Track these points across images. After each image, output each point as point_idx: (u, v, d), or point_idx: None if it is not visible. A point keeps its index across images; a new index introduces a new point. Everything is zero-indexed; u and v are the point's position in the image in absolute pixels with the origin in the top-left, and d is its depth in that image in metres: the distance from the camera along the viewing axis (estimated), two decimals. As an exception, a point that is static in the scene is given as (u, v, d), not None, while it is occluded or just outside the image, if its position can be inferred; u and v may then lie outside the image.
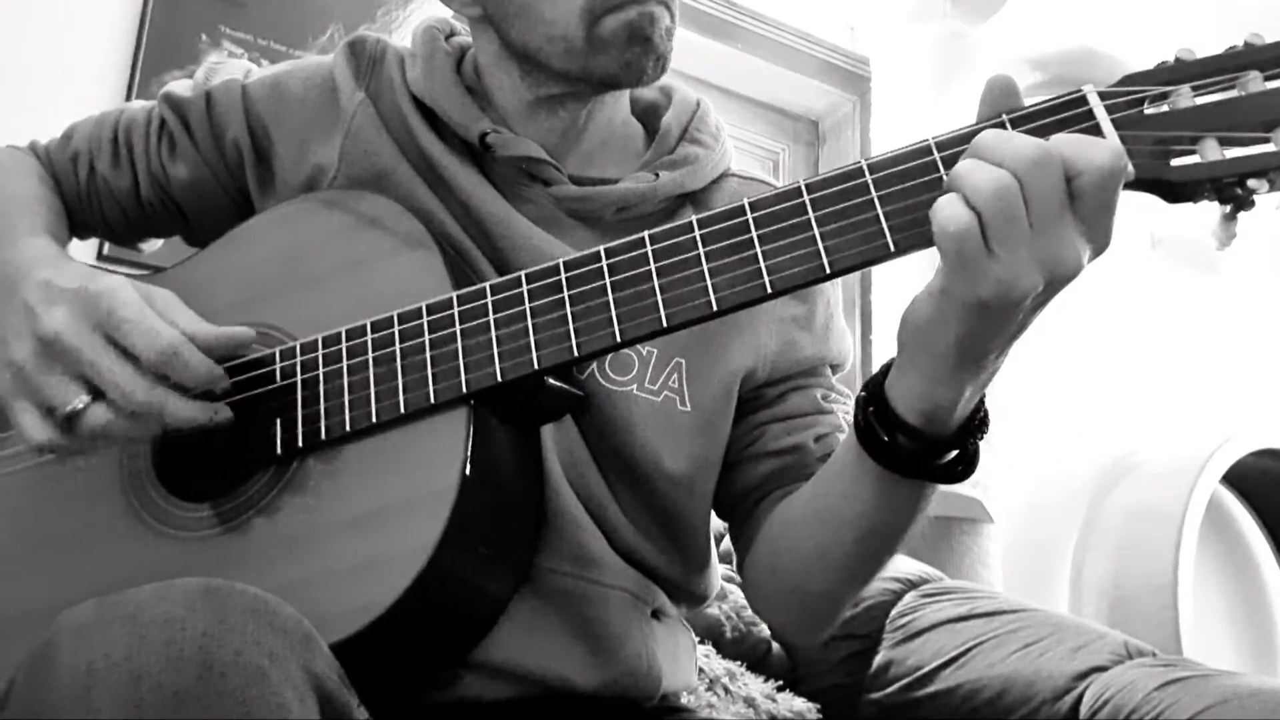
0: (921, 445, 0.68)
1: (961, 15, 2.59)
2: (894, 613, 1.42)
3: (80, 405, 0.70)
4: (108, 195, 0.94)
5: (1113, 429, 2.89)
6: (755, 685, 1.30)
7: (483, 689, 0.76)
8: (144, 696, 0.48)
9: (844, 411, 0.90)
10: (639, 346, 0.81)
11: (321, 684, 0.54)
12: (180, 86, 0.95)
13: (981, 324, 0.61)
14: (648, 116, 0.96)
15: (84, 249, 1.85)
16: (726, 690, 1.25)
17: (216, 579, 0.54)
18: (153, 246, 1.03)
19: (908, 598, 1.44)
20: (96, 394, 0.70)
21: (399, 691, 0.73)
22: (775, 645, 1.46)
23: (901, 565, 1.49)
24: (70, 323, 0.70)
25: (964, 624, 1.33)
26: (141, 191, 0.94)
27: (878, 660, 1.36)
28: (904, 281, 2.49)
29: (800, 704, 1.30)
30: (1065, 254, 0.59)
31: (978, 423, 0.70)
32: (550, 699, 0.77)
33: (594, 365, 0.81)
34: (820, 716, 1.30)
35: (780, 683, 1.34)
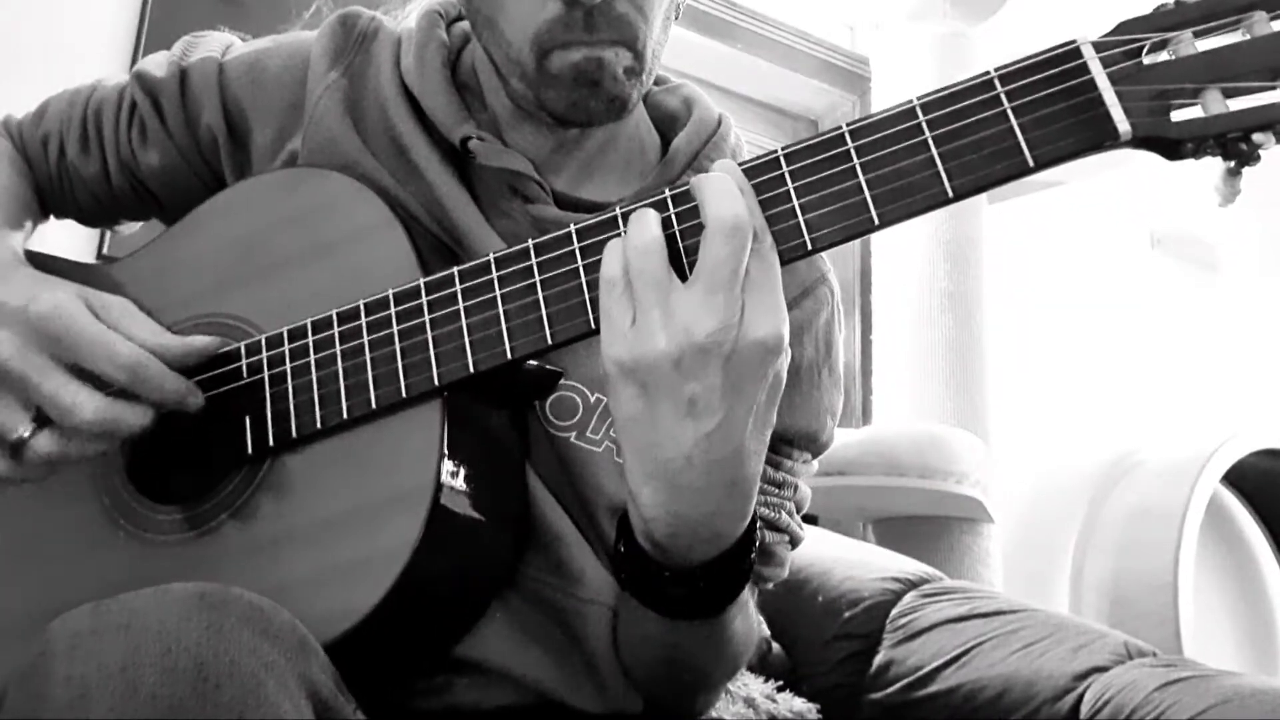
0: (637, 564, 0.67)
1: (961, 15, 2.59)
2: (894, 613, 1.41)
3: (25, 434, 0.68)
4: (78, 180, 0.91)
5: (1113, 429, 2.89)
6: (755, 685, 1.29)
7: (479, 696, 0.74)
8: (139, 706, 0.47)
9: (788, 498, 0.84)
10: (586, 392, 0.77)
11: (317, 691, 0.53)
12: (154, 64, 0.89)
13: (637, 405, 0.60)
14: (666, 128, 0.89)
15: (84, 249, 1.85)
16: (726, 690, 1.24)
17: (210, 584, 0.53)
18: (131, 228, 1.00)
19: (908, 598, 1.43)
20: (43, 420, 0.68)
21: (389, 696, 0.72)
22: (775, 645, 1.46)
23: (901, 565, 1.49)
24: (14, 347, 0.68)
25: (964, 624, 1.33)
26: (112, 177, 0.90)
27: (878, 660, 1.35)
28: (904, 282, 2.49)
29: (800, 704, 1.30)
30: (699, 322, 0.58)
31: (718, 560, 0.66)
32: (544, 708, 0.76)
33: (537, 407, 0.77)
34: (820, 717, 1.30)
35: (780, 683, 1.33)
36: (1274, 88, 0.57)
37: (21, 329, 0.69)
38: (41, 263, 0.84)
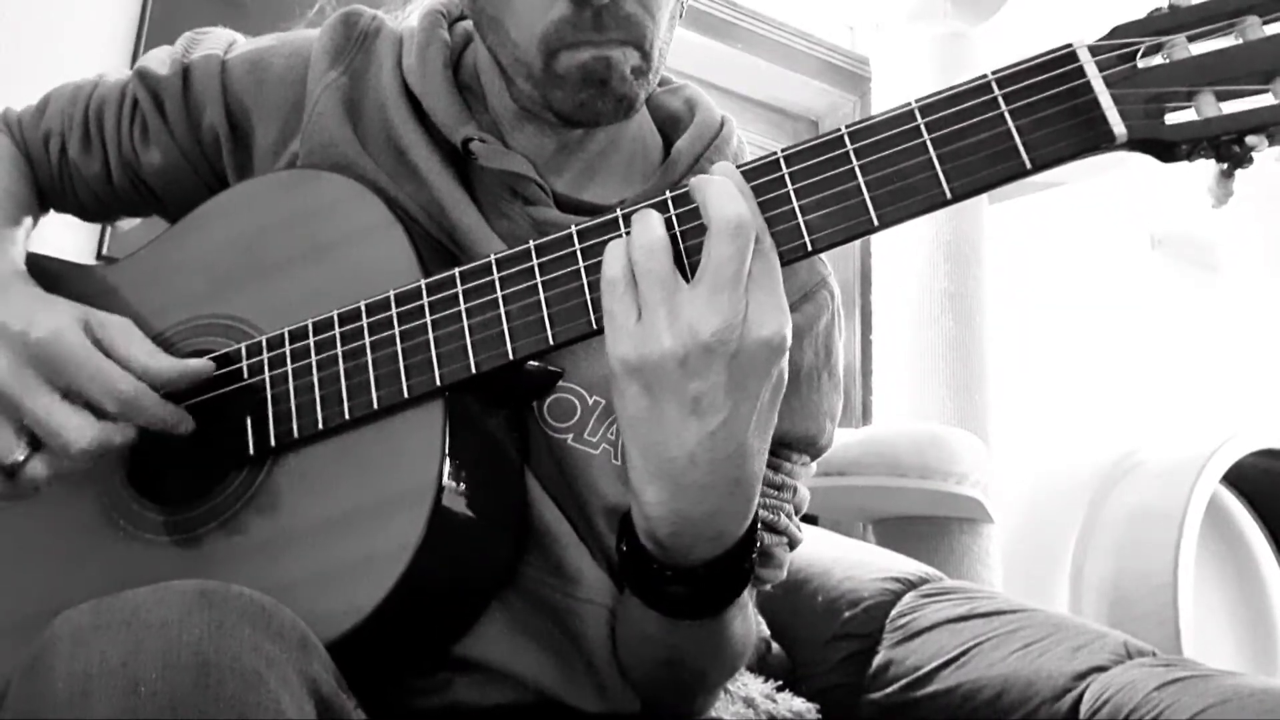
0: (639, 564, 0.68)
1: (961, 15, 2.59)
2: (894, 613, 1.41)
3: (20, 457, 0.69)
4: (79, 178, 0.90)
5: (1113, 429, 2.89)
6: (755, 685, 1.29)
7: (478, 694, 0.74)
8: (141, 703, 0.47)
9: (787, 500, 0.84)
10: (584, 394, 0.77)
11: (318, 688, 0.53)
12: (156, 61, 0.89)
13: (641, 403, 0.61)
14: (669, 129, 0.89)
15: (84, 248, 1.85)
16: (726, 690, 1.24)
17: (212, 581, 0.54)
18: (131, 223, 1.00)
19: (907, 598, 1.43)
20: (36, 443, 0.69)
21: (389, 694, 0.72)
22: (775, 645, 1.46)
23: (901, 565, 1.49)
24: (11, 371, 0.69)
25: (964, 624, 1.33)
26: (113, 176, 0.90)
27: (877, 660, 1.35)
28: (904, 282, 2.49)
29: (800, 704, 1.30)
30: (704, 321, 0.59)
31: (720, 559, 0.67)
32: (543, 707, 0.76)
33: (535, 408, 0.77)
34: (820, 717, 1.30)
35: (780, 683, 1.33)
36: (1267, 91, 0.57)
37: (17, 353, 0.69)
38: (41, 265, 0.83)
